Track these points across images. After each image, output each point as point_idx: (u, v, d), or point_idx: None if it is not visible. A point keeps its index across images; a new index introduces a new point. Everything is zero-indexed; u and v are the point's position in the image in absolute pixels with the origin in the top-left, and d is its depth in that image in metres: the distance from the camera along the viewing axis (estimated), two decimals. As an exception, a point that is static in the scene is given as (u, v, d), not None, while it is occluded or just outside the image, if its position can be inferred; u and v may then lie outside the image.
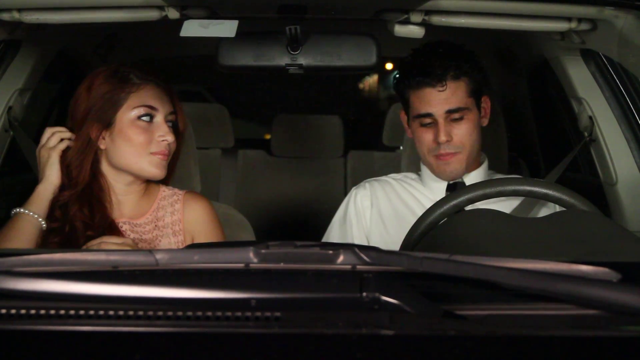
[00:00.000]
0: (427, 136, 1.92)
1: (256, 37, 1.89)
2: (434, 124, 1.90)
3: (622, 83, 2.15)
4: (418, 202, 1.99)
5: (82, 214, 1.65)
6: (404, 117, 2.05)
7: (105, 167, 1.72)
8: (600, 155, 2.17)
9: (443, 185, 1.98)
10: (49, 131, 1.70)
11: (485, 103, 1.98)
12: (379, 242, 1.97)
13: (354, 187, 2.09)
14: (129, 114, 1.67)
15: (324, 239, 2.10)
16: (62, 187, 1.68)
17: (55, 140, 1.68)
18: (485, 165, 2.02)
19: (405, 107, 2.01)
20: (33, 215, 1.63)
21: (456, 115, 1.89)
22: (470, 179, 1.97)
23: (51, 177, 1.67)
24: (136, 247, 1.62)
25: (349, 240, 2.00)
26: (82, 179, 1.67)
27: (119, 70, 1.70)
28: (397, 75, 2.04)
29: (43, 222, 1.64)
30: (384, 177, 2.10)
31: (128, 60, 3.04)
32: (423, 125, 1.92)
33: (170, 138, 1.69)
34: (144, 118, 1.67)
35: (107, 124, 1.67)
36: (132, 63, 3.05)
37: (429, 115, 1.91)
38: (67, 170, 1.68)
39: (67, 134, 1.70)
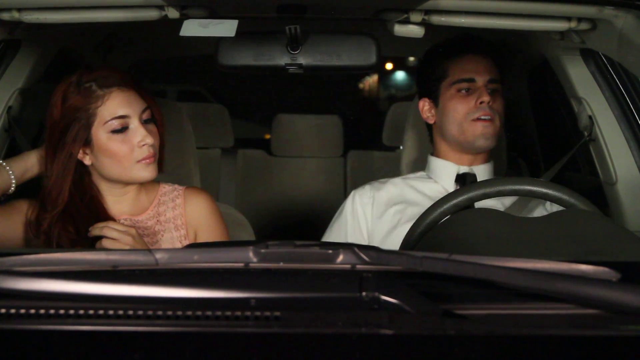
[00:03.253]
0: (466, 101, 1.96)
1: (256, 37, 1.90)
2: (472, 91, 1.96)
3: (622, 83, 2.15)
4: (426, 197, 1.99)
5: (67, 233, 1.63)
6: (424, 104, 2.07)
7: (96, 179, 1.71)
8: (600, 155, 2.16)
9: (452, 175, 1.99)
10: None
11: None
12: (381, 242, 1.96)
13: (355, 190, 2.09)
14: (102, 129, 1.64)
15: (323, 240, 2.10)
16: (43, 210, 1.65)
17: None
18: (492, 163, 2.06)
19: (433, 83, 2.04)
20: (8, 170, 1.64)
21: (494, 87, 1.96)
22: (480, 171, 2.00)
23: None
24: (139, 237, 1.62)
25: (343, 240, 2.00)
26: (61, 200, 1.65)
27: (81, 81, 1.65)
28: (428, 53, 2.10)
29: (13, 183, 1.65)
30: (386, 179, 2.10)
31: (128, 60, 3.05)
32: (460, 91, 1.97)
33: (149, 140, 1.65)
34: (118, 130, 1.64)
35: (86, 141, 1.65)
36: (132, 63, 3.08)
37: (471, 80, 1.97)
38: (47, 193, 1.65)
39: None
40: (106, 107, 1.64)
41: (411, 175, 2.12)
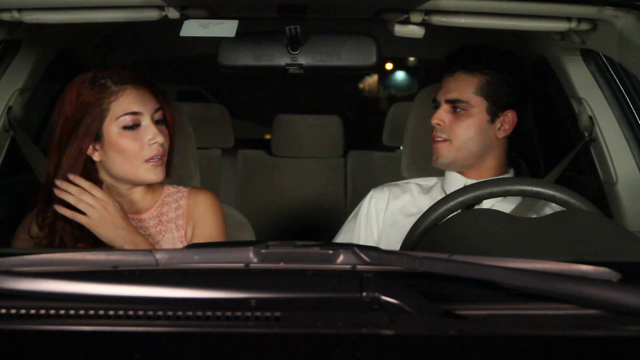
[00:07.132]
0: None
1: (256, 37, 1.90)
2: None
3: (622, 83, 2.14)
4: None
5: (71, 227, 1.63)
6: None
7: (104, 176, 1.71)
8: (600, 155, 2.16)
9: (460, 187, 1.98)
10: None
11: (507, 117, 1.96)
12: (390, 244, 1.96)
13: (374, 189, 2.10)
14: (114, 124, 1.64)
15: (338, 234, 2.12)
16: (48, 203, 1.64)
17: None
18: (512, 171, 2.04)
19: None
20: None
21: (457, 106, 1.92)
22: None
23: None
24: (118, 211, 1.61)
25: (355, 240, 2.00)
26: None
27: (96, 78, 1.65)
28: None
29: None
30: (406, 184, 2.10)
31: (128, 61, 3.05)
32: (434, 108, 1.98)
33: (160, 139, 1.66)
34: (130, 126, 1.64)
35: (96, 136, 1.65)
36: (132, 63, 3.07)
37: (435, 100, 1.97)
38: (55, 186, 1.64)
39: None
40: (119, 103, 1.64)
41: (424, 182, 2.10)
